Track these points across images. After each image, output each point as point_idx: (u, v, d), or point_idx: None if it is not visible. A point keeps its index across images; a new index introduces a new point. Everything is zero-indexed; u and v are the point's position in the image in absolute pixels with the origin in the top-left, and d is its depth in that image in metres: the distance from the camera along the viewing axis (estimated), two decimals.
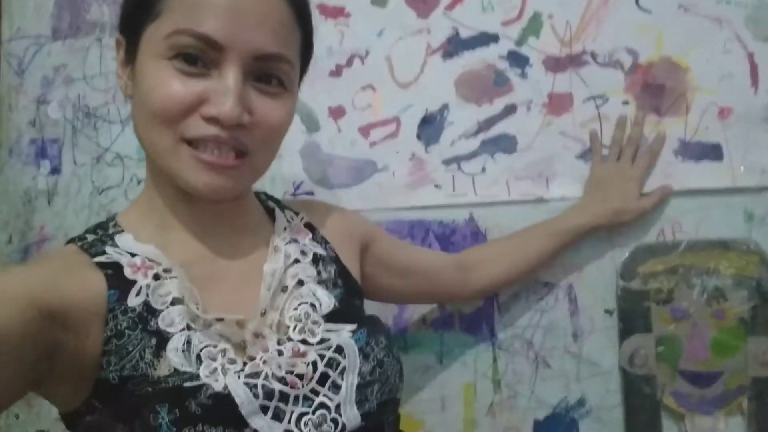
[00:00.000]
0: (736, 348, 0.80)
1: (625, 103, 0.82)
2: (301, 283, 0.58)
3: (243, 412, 0.47)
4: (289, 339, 0.54)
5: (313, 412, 0.50)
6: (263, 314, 0.54)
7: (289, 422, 0.49)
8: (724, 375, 0.80)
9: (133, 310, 0.50)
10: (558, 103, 0.83)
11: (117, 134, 0.98)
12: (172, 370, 0.48)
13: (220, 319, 0.52)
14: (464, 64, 0.85)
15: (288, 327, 0.55)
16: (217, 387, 0.47)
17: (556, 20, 0.83)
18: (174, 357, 0.49)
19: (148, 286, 0.51)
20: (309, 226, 0.64)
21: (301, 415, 0.50)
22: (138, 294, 0.50)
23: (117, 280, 0.50)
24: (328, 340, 0.54)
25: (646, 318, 0.81)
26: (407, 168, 0.88)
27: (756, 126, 0.79)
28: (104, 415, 0.48)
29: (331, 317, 0.56)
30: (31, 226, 1.02)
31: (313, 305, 0.56)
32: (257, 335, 0.53)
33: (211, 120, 0.49)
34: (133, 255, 0.52)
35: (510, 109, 0.85)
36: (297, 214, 0.65)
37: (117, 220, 0.57)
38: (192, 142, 0.50)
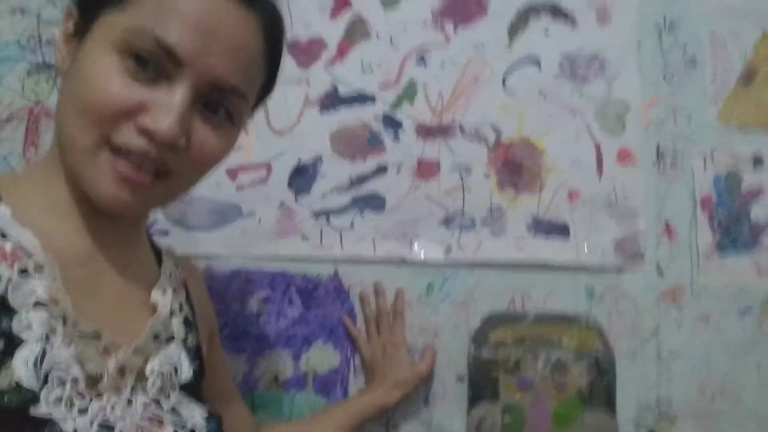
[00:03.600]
0: (574, 419, 0.83)
1: (486, 176, 0.86)
2: (171, 339, 0.52)
3: None
4: (143, 391, 0.48)
5: None
6: (136, 350, 0.48)
7: None
8: None
9: None
10: (426, 169, 0.86)
11: None
12: (13, 385, 0.41)
13: (97, 334, 0.45)
14: (340, 120, 0.86)
15: (147, 379, 0.49)
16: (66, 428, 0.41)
17: (429, 90, 0.87)
18: (22, 369, 0.41)
19: (9, 279, 0.43)
20: (185, 285, 0.59)
21: None
22: None
23: None
24: (180, 414, 0.50)
25: (494, 386, 0.82)
26: (275, 216, 0.85)
27: (599, 210, 0.86)
28: None
29: (184, 388, 0.52)
30: None
31: (176, 368, 0.51)
32: (120, 371, 0.47)
33: (145, 132, 0.44)
34: (3, 236, 0.44)
35: (381, 169, 0.86)
36: (177, 266, 0.60)
37: None
38: (114, 149, 0.44)
